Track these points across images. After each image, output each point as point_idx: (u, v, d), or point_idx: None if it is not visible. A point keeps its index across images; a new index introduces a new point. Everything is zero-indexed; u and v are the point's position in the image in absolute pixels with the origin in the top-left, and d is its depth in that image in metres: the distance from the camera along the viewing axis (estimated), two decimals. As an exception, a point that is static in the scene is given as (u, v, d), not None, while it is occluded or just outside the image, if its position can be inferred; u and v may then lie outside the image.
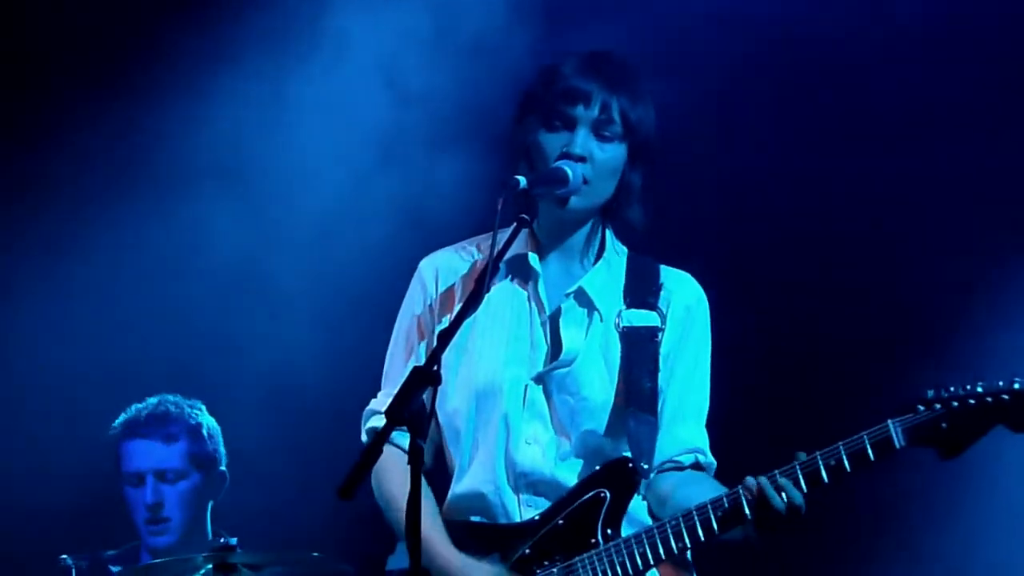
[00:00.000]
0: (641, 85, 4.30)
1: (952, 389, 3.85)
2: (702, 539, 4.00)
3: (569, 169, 4.13)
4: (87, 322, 7.18)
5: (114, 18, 7.07)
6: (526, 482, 4.16)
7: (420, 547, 3.57)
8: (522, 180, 4.06)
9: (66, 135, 7.09)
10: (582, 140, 4.18)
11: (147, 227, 7.16)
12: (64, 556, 5.99)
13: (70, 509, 6.99)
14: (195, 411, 6.41)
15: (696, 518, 3.99)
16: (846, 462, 3.88)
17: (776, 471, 3.93)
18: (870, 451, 3.87)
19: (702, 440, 4.26)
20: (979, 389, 3.82)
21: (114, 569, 6.27)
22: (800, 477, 3.90)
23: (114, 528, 6.55)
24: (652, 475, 4.20)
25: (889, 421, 3.87)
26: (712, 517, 3.98)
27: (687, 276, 4.36)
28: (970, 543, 6.39)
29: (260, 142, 7.08)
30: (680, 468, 4.21)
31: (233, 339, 7.11)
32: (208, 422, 6.42)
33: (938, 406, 3.84)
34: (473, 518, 4.19)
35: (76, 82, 7.08)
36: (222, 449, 6.44)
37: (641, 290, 4.26)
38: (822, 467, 3.90)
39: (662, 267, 4.34)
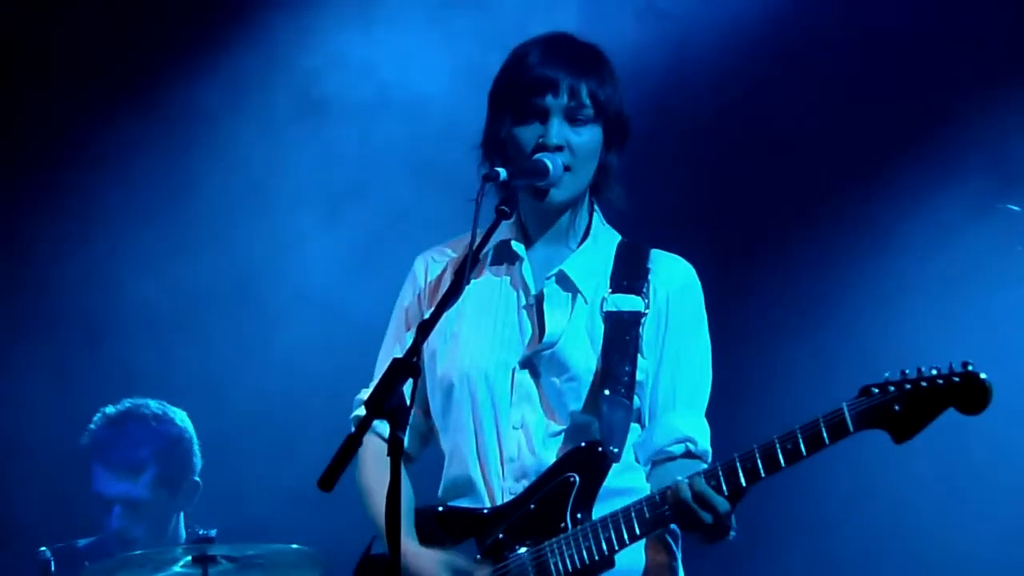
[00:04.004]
0: (605, 64, 4.27)
1: (907, 372, 3.87)
2: (668, 522, 4.00)
3: (549, 161, 4.11)
4: (75, 319, 7.20)
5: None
6: (511, 468, 4.16)
7: (399, 538, 3.58)
8: (502, 172, 4.05)
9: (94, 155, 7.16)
10: (556, 129, 4.16)
11: (153, 228, 7.23)
12: (43, 548, 5.97)
13: (45, 496, 7.00)
14: (164, 425, 6.32)
15: (655, 501, 3.99)
16: (802, 446, 3.88)
17: (701, 472, 3.94)
18: (825, 434, 3.87)
19: (693, 428, 4.20)
20: (932, 372, 3.84)
21: (92, 560, 6.26)
22: (721, 477, 3.91)
23: (89, 515, 6.55)
24: (648, 467, 4.20)
25: (844, 404, 3.88)
26: (648, 511, 4.00)
27: (677, 260, 4.30)
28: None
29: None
30: (672, 458, 4.17)
31: (225, 339, 7.14)
32: (178, 432, 6.33)
33: (892, 389, 3.86)
34: (464, 502, 4.20)
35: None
36: (195, 458, 6.37)
37: (627, 275, 4.23)
38: (779, 450, 3.89)
39: (653, 251, 4.29)
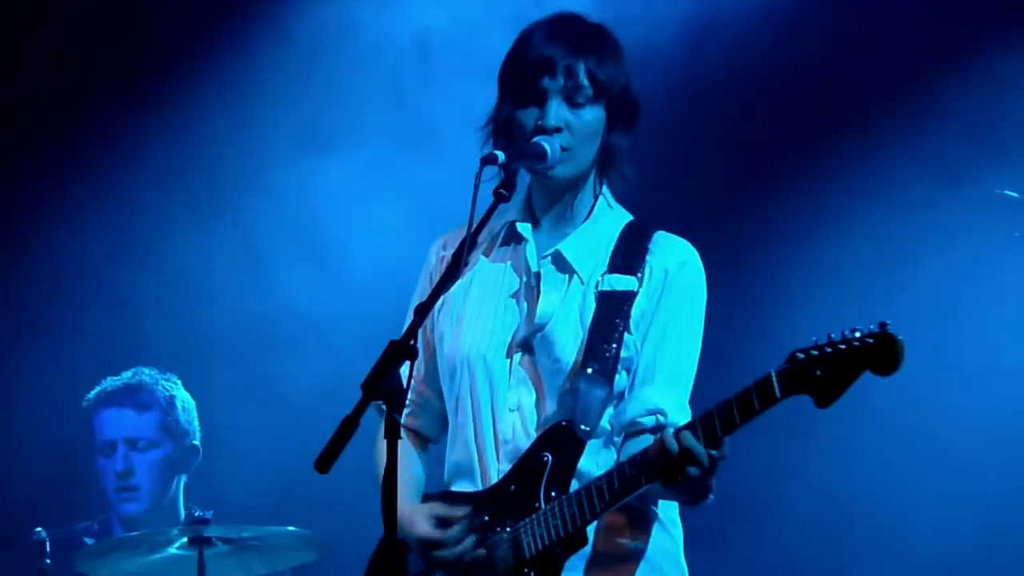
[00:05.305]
0: (607, 42, 4.23)
1: (833, 336, 3.78)
2: (618, 495, 3.96)
3: (547, 144, 4.09)
4: (70, 300, 7.21)
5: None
6: (506, 450, 4.15)
7: (396, 520, 3.58)
8: (500, 155, 4.03)
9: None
10: (554, 111, 4.14)
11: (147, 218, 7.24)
12: (38, 529, 5.98)
13: (42, 483, 7.01)
14: (170, 384, 6.41)
15: (612, 475, 3.97)
16: (736, 414, 3.82)
17: (679, 427, 3.90)
18: (755, 401, 3.81)
19: (668, 401, 4.14)
20: (855, 335, 3.74)
21: (88, 541, 6.28)
22: (699, 431, 3.86)
23: (87, 502, 6.57)
24: (619, 439, 4.16)
25: (771, 370, 3.82)
26: (616, 479, 3.96)
27: (678, 240, 4.25)
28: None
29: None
30: (642, 430, 4.12)
31: (218, 318, 7.15)
32: (183, 396, 6.42)
33: (815, 353, 3.77)
34: (463, 484, 4.20)
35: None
36: (196, 424, 6.44)
37: (625, 256, 4.20)
38: (716, 420, 3.85)
39: (657, 233, 4.25)
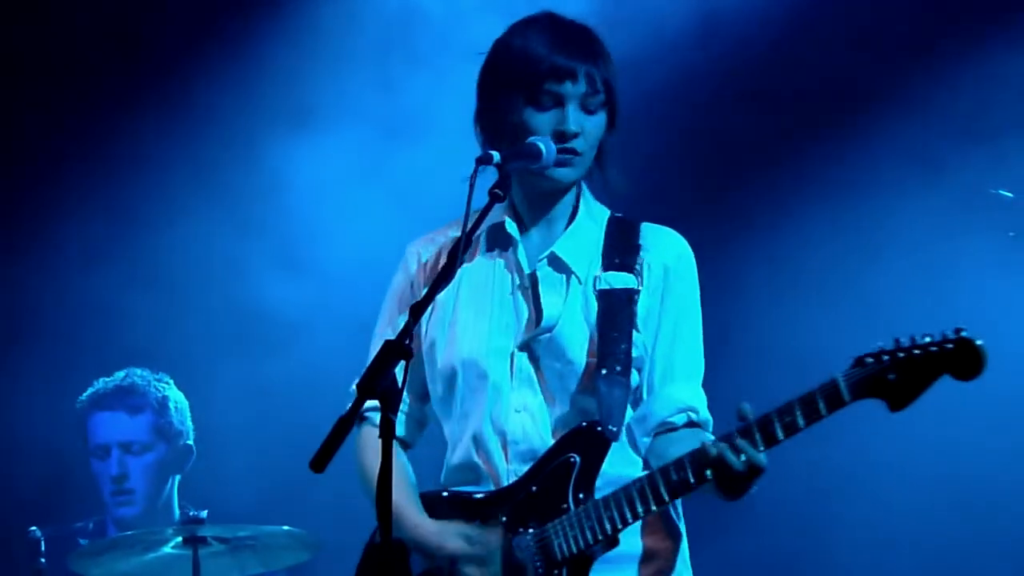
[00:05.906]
0: (605, 46, 4.28)
1: (901, 340, 3.83)
2: (666, 500, 3.99)
3: (542, 144, 4.11)
4: (62, 297, 7.21)
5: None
6: (516, 451, 4.15)
7: (391, 521, 3.57)
8: (496, 155, 4.05)
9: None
10: (573, 116, 4.17)
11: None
12: (33, 528, 5.98)
13: (39, 482, 7.01)
14: (162, 384, 6.40)
15: (657, 480, 3.98)
16: (800, 418, 3.87)
17: (734, 432, 3.92)
18: (822, 406, 3.86)
19: (694, 398, 4.21)
20: (927, 339, 3.80)
21: (82, 542, 6.28)
22: (757, 437, 3.89)
23: (83, 501, 6.57)
24: (649, 439, 4.19)
25: (838, 375, 3.86)
26: (662, 484, 3.98)
27: (669, 232, 4.30)
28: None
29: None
30: (673, 428, 4.17)
31: (212, 317, 7.15)
32: (175, 396, 6.42)
33: (886, 358, 3.82)
34: (468, 488, 4.19)
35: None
36: (189, 424, 6.44)
37: (619, 252, 4.23)
38: (777, 424, 3.88)
39: (644, 225, 4.30)
